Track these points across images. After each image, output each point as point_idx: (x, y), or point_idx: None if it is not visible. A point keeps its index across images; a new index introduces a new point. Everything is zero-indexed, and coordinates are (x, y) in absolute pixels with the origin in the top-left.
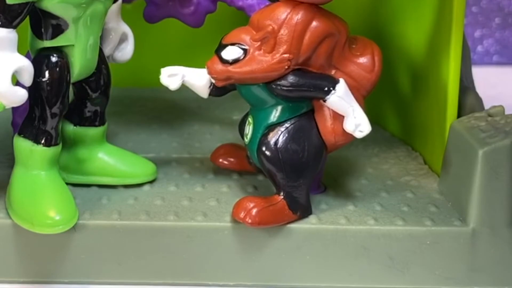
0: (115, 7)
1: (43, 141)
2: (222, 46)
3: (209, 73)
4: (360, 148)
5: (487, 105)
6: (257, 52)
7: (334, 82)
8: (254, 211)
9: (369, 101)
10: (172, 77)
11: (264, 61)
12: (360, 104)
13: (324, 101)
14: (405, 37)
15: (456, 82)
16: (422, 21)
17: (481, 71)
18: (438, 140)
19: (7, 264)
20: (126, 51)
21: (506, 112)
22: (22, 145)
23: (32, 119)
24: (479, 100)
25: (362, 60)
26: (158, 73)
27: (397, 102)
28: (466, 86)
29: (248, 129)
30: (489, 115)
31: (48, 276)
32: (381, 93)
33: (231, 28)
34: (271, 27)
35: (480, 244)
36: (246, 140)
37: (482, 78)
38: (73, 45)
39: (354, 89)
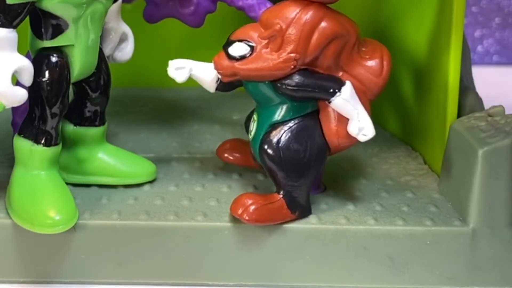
0: (115, 7)
1: (43, 141)
2: (229, 42)
3: (216, 68)
4: (360, 148)
5: (487, 105)
6: (264, 50)
7: (340, 84)
8: (251, 208)
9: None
10: (179, 70)
11: (270, 59)
12: (366, 108)
13: (329, 102)
14: (405, 37)
15: (456, 82)
16: (422, 21)
17: (481, 71)
18: (438, 140)
19: (7, 264)
20: (126, 51)
21: (506, 112)
22: (22, 145)
23: (32, 119)
24: (479, 100)
25: (371, 63)
26: (158, 73)
27: (397, 102)
28: (466, 86)
29: (253, 126)
30: (489, 115)
31: (48, 276)
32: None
33: (231, 28)
34: (279, 26)
35: (480, 244)
36: (250, 136)
37: (482, 78)
38: (73, 45)
39: (360, 93)
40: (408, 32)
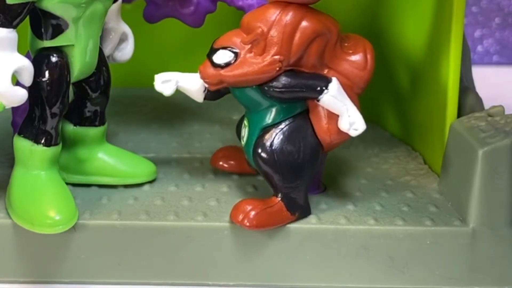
0: (115, 7)
1: (43, 141)
2: (213, 50)
3: (202, 77)
4: (360, 148)
5: (487, 105)
6: (248, 55)
7: (326, 81)
8: (252, 214)
9: (369, 101)
10: (166, 83)
11: (255, 63)
12: (354, 102)
13: (318, 100)
14: (405, 37)
15: (456, 82)
16: (422, 21)
17: (481, 71)
18: (438, 140)
19: (7, 264)
20: (126, 51)
21: (506, 112)
22: (22, 145)
23: (32, 119)
24: (479, 100)
25: (355, 58)
26: (158, 73)
27: (397, 102)
28: (466, 86)
29: (244, 132)
30: (489, 115)
31: (48, 276)
32: (381, 93)
33: (231, 28)
34: (260, 29)
35: (480, 244)
36: (243, 142)
37: (482, 78)
38: (73, 45)
39: (347, 88)
40: (408, 32)
